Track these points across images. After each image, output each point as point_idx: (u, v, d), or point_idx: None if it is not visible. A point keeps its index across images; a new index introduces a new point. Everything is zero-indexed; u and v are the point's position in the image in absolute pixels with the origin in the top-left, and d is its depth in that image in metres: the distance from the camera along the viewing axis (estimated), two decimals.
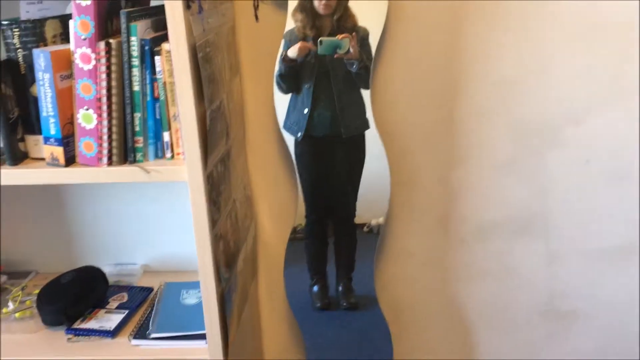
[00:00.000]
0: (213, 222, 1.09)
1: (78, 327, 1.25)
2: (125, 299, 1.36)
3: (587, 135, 1.41)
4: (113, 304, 1.33)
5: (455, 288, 1.56)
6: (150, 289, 1.40)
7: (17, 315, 1.30)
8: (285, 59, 1.33)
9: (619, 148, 1.41)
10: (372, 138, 1.42)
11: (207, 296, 1.10)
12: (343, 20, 1.34)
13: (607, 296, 1.53)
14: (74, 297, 1.29)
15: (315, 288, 1.57)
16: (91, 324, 1.25)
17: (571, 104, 1.39)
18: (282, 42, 1.35)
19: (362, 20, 1.35)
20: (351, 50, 1.33)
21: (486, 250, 1.52)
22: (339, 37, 1.32)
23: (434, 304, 1.58)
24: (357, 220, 1.54)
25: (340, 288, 1.57)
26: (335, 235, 1.57)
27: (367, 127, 1.41)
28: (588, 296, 1.54)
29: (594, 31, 1.33)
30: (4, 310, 1.33)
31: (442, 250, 1.53)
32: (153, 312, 1.29)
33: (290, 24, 1.33)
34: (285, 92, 1.40)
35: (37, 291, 1.33)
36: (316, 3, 1.32)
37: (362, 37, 1.34)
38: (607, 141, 1.41)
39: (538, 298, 1.55)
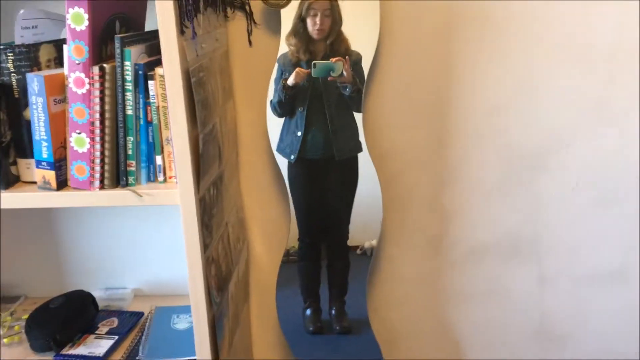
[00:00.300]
0: (205, 245, 1.09)
1: (67, 353, 1.23)
2: (116, 324, 1.34)
3: (574, 160, 1.42)
4: (103, 329, 1.32)
5: (447, 310, 1.56)
6: (140, 314, 1.39)
7: (5, 340, 1.29)
8: (285, 87, 1.35)
9: (607, 172, 1.42)
10: (364, 161, 1.42)
11: (198, 320, 1.09)
12: (336, 45, 1.35)
13: (597, 320, 1.53)
14: (63, 322, 1.27)
15: (308, 311, 1.56)
16: (80, 350, 1.24)
17: (559, 129, 1.40)
18: (276, 66, 1.36)
19: (355, 45, 1.36)
20: (344, 73, 1.34)
21: (478, 272, 1.52)
22: (332, 60, 1.34)
23: (427, 326, 1.58)
24: (350, 242, 1.53)
25: (333, 312, 1.56)
26: (328, 258, 1.56)
27: (359, 149, 1.42)
28: (578, 320, 1.54)
29: (581, 57, 1.35)
30: None
31: (434, 272, 1.53)
32: (143, 338, 1.28)
33: (283, 48, 1.35)
34: (281, 116, 1.41)
35: (26, 316, 1.31)
36: (310, 28, 1.34)
37: (355, 61, 1.36)
38: (594, 166, 1.42)
39: (529, 321, 1.55)
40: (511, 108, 1.39)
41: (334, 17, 1.33)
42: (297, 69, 1.34)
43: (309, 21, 1.33)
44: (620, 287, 1.50)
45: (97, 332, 1.31)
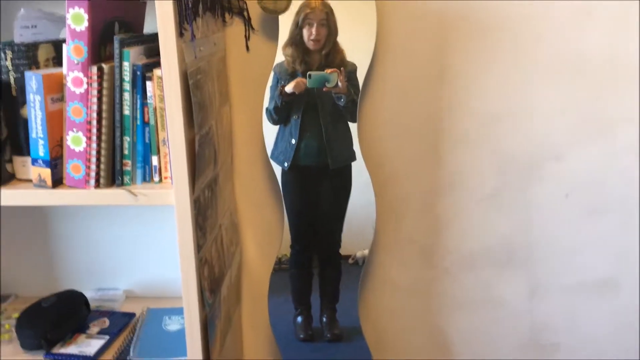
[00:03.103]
0: (199, 246, 1.09)
1: (57, 352, 1.23)
2: (107, 324, 1.34)
3: (567, 170, 1.44)
4: (94, 329, 1.32)
5: (439, 318, 1.57)
6: (132, 315, 1.39)
7: None
8: (282, 93, 1.36)
9: (599, 182, 1.44)
10: (358, 170, 1.43)
11: (190, 321, 1.10)
12: (331, 55, 1.37)
13: (588, 329, 1.54)
14: (54, 321, 1.27)
15: (299, 319, 1.56)
16: (71, 349, 1.24)
17: (552, 138, 1.42)
18: (272, 74, 1.37)
19: (350, 56, 1.38)
20: (339, 84, 1.35)
21: (470, 281, 1.53)
22: (328, 71, 1.35)
23: (418, 334, 1.58)
24: (343, 251, 1.53)
25: (324, 319, 1.56)
26: (320, 266, 1.56)
27: (353, 158, 1.43)
28: (570, 329, 1.55)
29: (576, 67, 1.37)
30: None
31: (426, 280, 1.54)
32: (134, 338, 1.28)
33: (280, 57, 1.37)
34: (276, 123, 1.42)
35: (16, 315, 1.31)
36: (306, 38, 1.35)
37: (350, 72, 1.37)
38: (586, 176, 1.44)
39: (521, 329, 1.56)
40: (505, 117, 1.41)
41: (330, 28, 1.35)
42: (298, 79, 1.35)
43: (305, 31, 1.35)
44: (612, 296, 1.51)
45: (88, 331, 1.30)
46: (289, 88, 1.36)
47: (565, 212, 1.46)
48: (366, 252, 1.50)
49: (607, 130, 1.41)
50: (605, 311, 1.53)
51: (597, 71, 1.37)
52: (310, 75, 1.34)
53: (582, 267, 1.50)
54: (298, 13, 1.34)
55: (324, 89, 1.36)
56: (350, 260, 1.55)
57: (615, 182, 1.44)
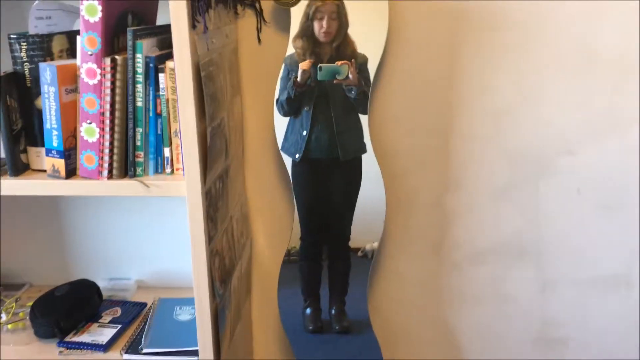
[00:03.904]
0: (210, 237, 1.10)
1: (70, 340, 1.25)
2: (119, 313, 1.36)
3: (579, 165, 1.43)
4: (106, 318, 1.33)
5: (448, 312, 1.57)
6: (144, 304, 1.40)
7: (9, 326, 1.30)
8: (295, 84, 1.36)
9: (611, 178, 1.43)
10: (368, 162, 1.43)
11: (201, 311, 1.11)
12: (342, 47, 1.37)
13: (599, 324, 1.54)
14: (68, 310, 1.29)
15: (308, 310, 1.57)
16: (83, 338, 1.25)
17: (564, 133, 1.41)
18: (283, 66, 1.38)
19: (361, 48, 1.37)
20: (350, 76, 1.35)
21: (480, 275, 1.53)
22: (338, 63, 1.35)
23: (427, 328, 1.58)
24: (352, 244, 1.54)
25: (333, 311, 1.57)
26: (329, 258, 1.57)
27: (364, 151, 1.43)
28: (580, 324, 1.54)
29: (588, 63, 1.36)
30: None
31: (436, 274, 1.54)
32: (146, 327, 1.29)
33: (291, 49, 1.37)
34: (287, 115, 1.42)
35: (30, 303, 1.33)
36: (316, 30, 1.35)
37: (361, 64, 1.37)
38: (599, 171, 1.43)
39: (531, 325, 1.56)
40: (517, 112, 1.41)
41: (341, 20, 1.35)
42: (300, 64, 1.35)
43: (315, 24, 1.34)
44: (623, 292, 1.51)
45: (100, 320, 1.32)
46: (299, 77, 1.36)
47: (576, 208, 1.46)
48: (375, 244, 1.51)
49: (620, 125, 1.40)
50: (616, 307, 1.52)
51: (610, 66, 1.36)
52: (320, 68, 1.34)
53: (593, 262, 1.50)
54: (309, 5, 1.33)
55: (334, 82, 1.36)
56: (359, 253, 1.55)
57: (627, 178, 1.43)
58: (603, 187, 1.44)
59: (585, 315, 1.54)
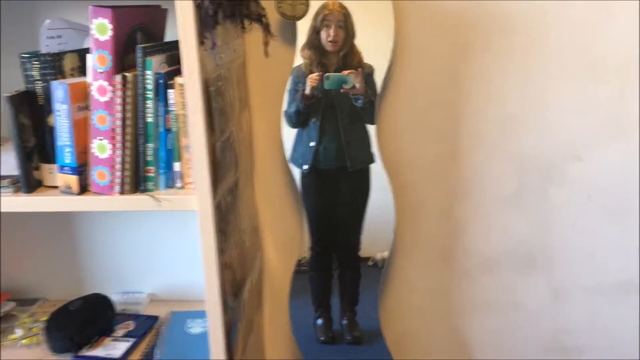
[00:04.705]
0: (221, 250, 1.11)
1: (85, 354, 1.26)
2: (132, 327, 1.37)
3: (588, 171, 1.43)
4: (119, 331, 1.34)
5: (459, 321, 1.56)
6: (156, 318, 1.41)
7: (24, 341, 1.31)
8: (303, 96, 1.37)
9: (620, 184, 1.43)
10: (377, 172, 1.44)
11: (213, 324, 1.11)
12: (349, 58, 1.38)
13: (611, 332, 1.53)
14: (82, 324, 1.30)
15: (320, 321, 1.57)
16: (98, 352, 1.26)
17: (573, 140, 1.41)
18: (290, 77, 1.39)
19: (368, 58, 1.38)
20: (357, 85, 1.36)
21: (490, 283, 1.53)
22: (345, 72, 1.36)
23: (439, 337, 1.58)
24: (362, 253, 1.54)
25: (344, 321, 1.57)
26: (339, 268, 1.57)
27: (372, 160, 1.44)
28: (592, 332, 1.53)
29: (595, 69, 1.37)
30: (11, 336, 1.34)
31: (446, 283, 1.54)
32: (158, 341, 1.30)
33: (298, 60, 1.38)
34: (295, 126, 1.43)
35: (45, 318, 1.34)
36: (324, 39, 1.36)
37: (368, 74, 1.38)
38: (608, 177, 1.43)
39: (542, 332, 1.55)
40: (525, 119, 1.41)
41: (347, 29, 1.36)
42: (310, 76, 1.37)
43: (322, 33, 1.36)
44: (634, 298, 1.50)
45: (114, 334, 1.33)
46: (307, 89, 1.37)
47: (586, 214, 1.45)
48: (385, 254, 1.51)
49: (629, 130, 1.40)
50: (627, 313, 1.51)
51: (618, 71, 1.36)
52: (328, 77, 1.35)
53: (604, 269, 1.49)
54: (316, 16, 1.35)
55: (341, 91, 1.37)
56: (369, 262, 1.55)
57: (637, 183, 1.42)
58: (612, 193, 1.44)
59: (597, 322, 1.53)
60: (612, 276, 1.49)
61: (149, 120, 1.08)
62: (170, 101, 1.07)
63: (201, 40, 1.01)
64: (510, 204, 1.47)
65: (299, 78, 1.38)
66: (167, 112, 1.08)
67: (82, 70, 1.16)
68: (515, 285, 1.52)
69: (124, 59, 1.09)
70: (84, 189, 1.11)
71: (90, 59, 1.06)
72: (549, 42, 1.36)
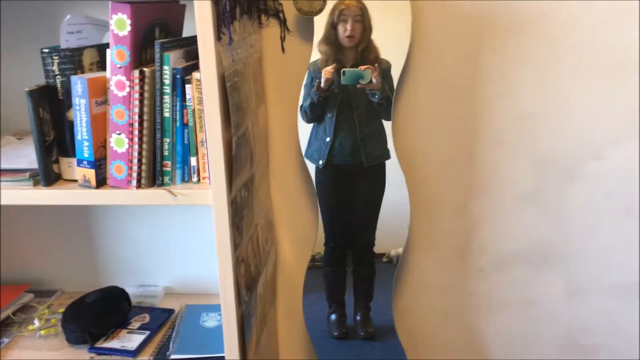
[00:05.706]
0: (235, 245, 1.12)
1: (101, 346, 1.27)
2: (147, 319, 1.38)
3: (607, 169, 1.41)
4: (135, 324, 1.36)
5: (474, 318, 1.56)
6: (171, 311, 1.42)
7: (42, 332, 1.33)
8: (319, 88, 1.38)
9: (638, 182, 1.41)
10: (392, 168, 1.43)
11: (228, 318, 1.12)
12: (366, 53, 1.37)
13: (627, 330, 1.51)
14: (98, 316, 1.31)
15: (333, 316, 1.57)
16: (113, 344, 1.28)
17: (592, 137, 1.40)
18: (307, 73, 1.39)
19: (385, 53, 1.38)
20: (373, 80, 1.36)
21: (506, 281, 1.52)
22: (362, 68, 1.36)
23: (453, 334, 1.58)
24: (377, 249, 1.54)
25: (358, 317, 1.57)
26: (354, 264, 1.57)
27: (388, 156, 1.43)
28: (608, 331, 1.52)
29: (614, 67, 1.35)
30: (29, 327, 1.36)
31: (462, 279, 1.53)
32: (173, 334, 1.31)
33: (315, 55, 1.38)
34: (310, 121, 1.43)
35: (62, 310, 1.36)
36: (340, 34, 1.36)
37: (384, 69, 1.38)
38: (627, 175, 1.41)
39: (558, 331, 1.54)
40: (543, 116, 1.40)
41: (364, 23, 1.35)
42: (323, 70, 1.36)
43: (339, 27, 1.35)
44: None
45: (129, 327, 1.34)
46: (322, 82, 1.37)
47: (604, 212, 1.44)
48: (400, 250, 1.51)
49: None
50: None
51: (636, 69, 1.34)
52: (344, 72, 1.35)
53: (621, 267, 1.47)
54: (333, 11, 1.34)
55: (357, 86, 1.37)
56: (384, 259, 1.55)
57: None
58: (631, 192, 1.42)
59: (614, 321, 1.51)
60: (629, 275, 1.48)
61: (166, 115, 1.08)
62: (187, 96, 1.08)
63: (218, 36, 1.02)
64: (527, 201, 1.46)
65: (316, 74, 1.38)
66: (184, 107, 1.09)
67: (101, 65, 1.17)
68: (531, 283, 1.51)
69: (142, 54, 1.10)
70: (101, 182, 1.12)
71: (109, 54, 1.07)
72: (568, 41, 1.34)
